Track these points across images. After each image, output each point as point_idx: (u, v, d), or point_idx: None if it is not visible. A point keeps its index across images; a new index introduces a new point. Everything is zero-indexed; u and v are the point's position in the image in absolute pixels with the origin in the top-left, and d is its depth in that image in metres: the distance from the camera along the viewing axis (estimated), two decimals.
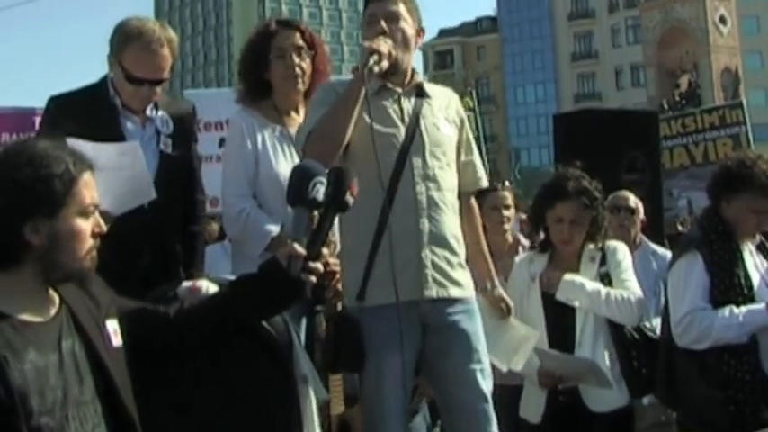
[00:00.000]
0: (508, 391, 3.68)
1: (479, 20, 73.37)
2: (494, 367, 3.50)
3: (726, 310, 3.16)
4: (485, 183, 3.20)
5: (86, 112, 2.96)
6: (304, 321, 3.00)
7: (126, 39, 2.99)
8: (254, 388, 2.20)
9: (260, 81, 3.32)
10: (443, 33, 72.17)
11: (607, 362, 3.41)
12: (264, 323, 2.27)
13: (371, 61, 2.68)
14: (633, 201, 4.59)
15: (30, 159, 1.90)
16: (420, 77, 3.00)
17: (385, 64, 2.74)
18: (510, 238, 4.59)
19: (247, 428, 2.18)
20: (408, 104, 2.90)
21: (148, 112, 3.11)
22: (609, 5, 64.74)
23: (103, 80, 3.12)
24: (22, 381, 1.78)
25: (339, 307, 2.92)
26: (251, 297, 2.20)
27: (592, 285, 3.45)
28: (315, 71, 3.31)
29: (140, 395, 2.03)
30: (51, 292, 1.98)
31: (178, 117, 3.19)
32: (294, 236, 2.20)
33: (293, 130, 3.17)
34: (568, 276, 3.47)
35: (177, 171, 3.14)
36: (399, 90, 2.91)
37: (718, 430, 3.18)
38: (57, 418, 1.82)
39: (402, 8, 2.90)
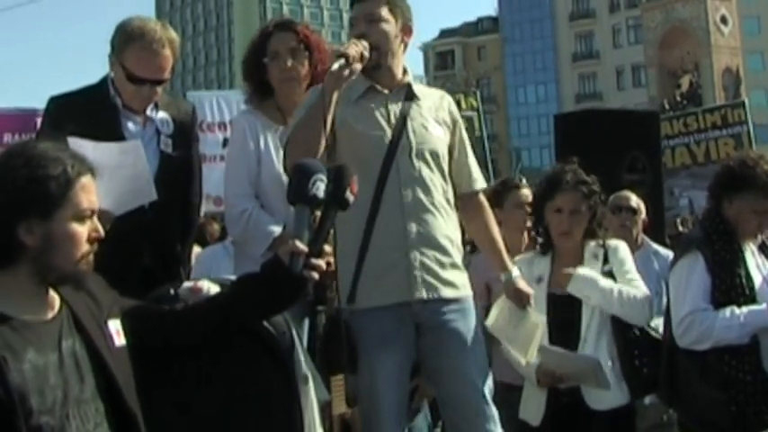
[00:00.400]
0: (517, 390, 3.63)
1: (480, 20, 73.19)
2: (508, 366, 3.50)
3: (727, 311, 3.16)
4: (481, 184, 3.17)
5: (87, 112, 2.96)
6: (306, 322, 3.01)
7: (127, 38, 2.98)
8: (255, 388, 2.20)
9: (261, 82, 3.33)
10: (444, 33, 72.08)
11: (608, 361, 3.40)
12: (266, 323, 2.27)
13: (337, 65, 2.68)
14: (635, 201, 4.58)
15: (28, 160, 1.90)
16: (410, 78, 3.00)
17: (357, 66, 2.73)
18: (527, 238, 4.58)
19: (249, 428, 2.19)
20: (396, 106, 2.90)
21: (149, 112, 3.11)
22: (610, 5, 64.59)
23: (104, 80, 3.12)
24: (21, 380, 1.78)
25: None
26: (253, 295, 2.20)
27: (605, 281, 3.43)
28: (314, 71, 3.31)
29: (142, 394, 2.03)
30: (52, 292, 1.98)
31: (178, 117, 3.19)
32: (295, 233, 2.19)
33: None
34: (582, 270, 3.45)
35: (177, 171, 3.14)
36: (386, 92, 2.91)
37: (720, 431, 3.17)
38: (57, 418, 1.83)
39: (384, 9, 2.89)
